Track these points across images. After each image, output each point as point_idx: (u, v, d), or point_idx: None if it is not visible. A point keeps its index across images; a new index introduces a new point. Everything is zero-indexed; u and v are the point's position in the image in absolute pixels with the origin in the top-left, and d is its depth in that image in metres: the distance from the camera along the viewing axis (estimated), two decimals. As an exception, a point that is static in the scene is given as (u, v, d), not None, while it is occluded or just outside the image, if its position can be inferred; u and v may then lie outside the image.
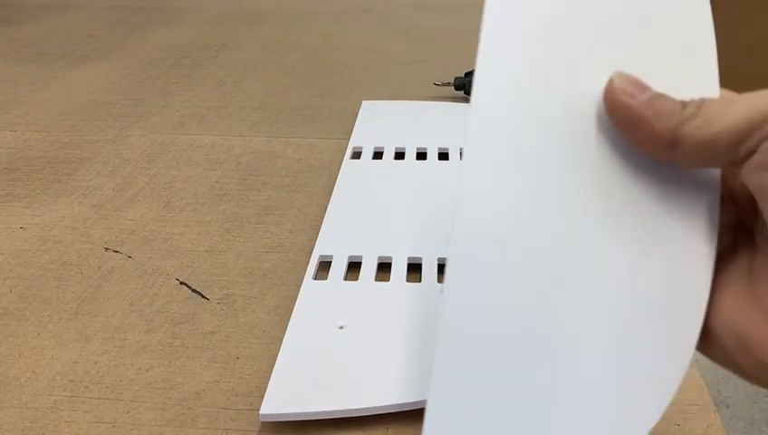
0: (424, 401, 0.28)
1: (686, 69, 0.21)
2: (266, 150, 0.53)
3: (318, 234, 0.39)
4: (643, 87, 0.20)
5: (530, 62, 0.21)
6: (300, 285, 0.35)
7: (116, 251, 0.41)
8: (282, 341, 0.31)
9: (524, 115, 0.21)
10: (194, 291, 0.37)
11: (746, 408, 1.12)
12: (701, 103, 0.19)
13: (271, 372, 0.29)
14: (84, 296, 0.37)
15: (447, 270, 0.20)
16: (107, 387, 0.31)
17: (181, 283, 0.38)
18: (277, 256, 0.40)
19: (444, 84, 0.62)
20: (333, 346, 0.31)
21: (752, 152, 0.18)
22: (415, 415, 0.28)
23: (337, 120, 0.59)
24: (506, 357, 0.19)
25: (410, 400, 0.28)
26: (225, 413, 0.29)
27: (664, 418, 0.28)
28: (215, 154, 0.53)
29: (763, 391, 1.15)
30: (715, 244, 0.20)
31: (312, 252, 0.38)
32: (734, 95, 0.19)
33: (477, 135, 0.21)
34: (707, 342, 0.20)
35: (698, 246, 0.20)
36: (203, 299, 0.36)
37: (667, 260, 0.20)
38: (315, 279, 0.36)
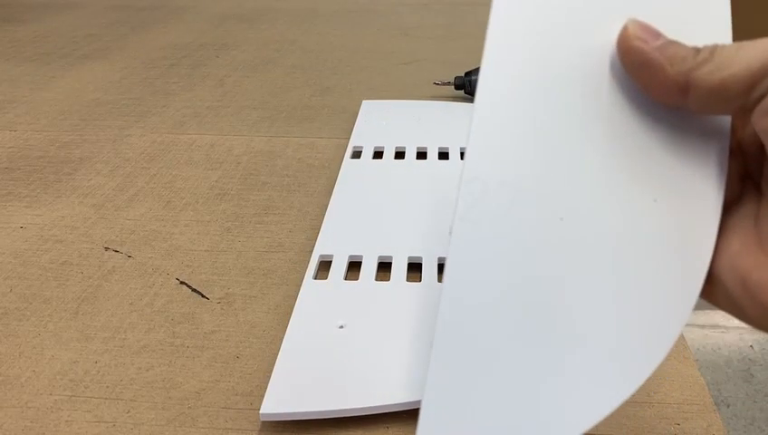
0: None
1: (699, 20, 0.21)
2: (266, 150, 0.53)
3: (318, 234, 0.39)
4: (657, 33, 0.20)
5: (542, 12, 0.22)
6: (300, 285, 0.35)
7: (116, 251, 0.41)
8: (282, 340, 0.31)
9: (536, 64, 0.21)
10: (194, 290, 0.37)
11: (746, 407, 1.12)
12: (714, 49, 0.19)
13: (271, 372, 0.29)
14: (84, 296, 0.37)
15: (457, 211, 0.20)
16: (107, 386, 0.31)
17: (181, 282, 0.38)
18: (277, 255, 0.40)
19: (444, 84, 0.62)
20: (333, 346, 0.31)
21: (763, 96, 0.18)
22: (415, 414, 0.28)
23: (337, 120, 0.59)
24: (512, 304, 0.19)
25: (410, 399, 0.28)
26: (226, 413, 0.29)
27: (664, 417, 0.28)
28: (215, 154, 0.53)
29: (762, 390, 1.15)
30: (723, 190, 0.21)
31: (312, 251, 0.38)
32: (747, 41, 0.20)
33: (489, 82, 0.21)
34: (711, 286, 0.20)
35: (706, 192, 0.20)
36: (203, 299, 0.36)
37: (676, 205, 0.20)
38: (315, 279, 0.36)
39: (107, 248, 0.41)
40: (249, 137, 0.56)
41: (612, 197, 0.20)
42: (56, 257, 0.40)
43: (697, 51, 0.19)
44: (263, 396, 0.28)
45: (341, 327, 0.32)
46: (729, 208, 0.21)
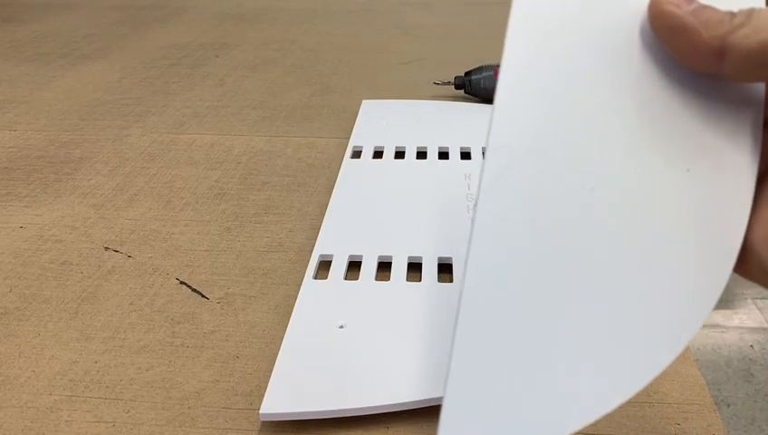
0: (424, 401, 0.28)
1: None
2: (266, 150, 0.53)
3: (318, 234, 0.39)
4: None
5: None
6: (300, 285, 0.35)
7: (116, 251, 0.41)
8: (282, 340, 0.31)
9: (563, 31, 0.21)
10: (194, 290, 0.37)
11: (747, 407, 1.12)
12: (750, 12, 0.19)
13: (271, 372, 0.29)
14: (84, 296, 0.37)
15: (483, 181, 0.19)
16: (107, 386, 0.31)
17: (181, 282, 0.38)
18: (277, 255, 0.40)
19: (444, 83, 0.62)
20: (333, 345, 0.31)
21: None
22: (415, 414, 0.28)
23: (337, 120, 0.59)
24: (540, 278, 0.19)
25: (411, 399, 0.28)
26: (225, 413, 0.29)
27: (664, 417, 0.28)
28: (215, 153, 0.53)
29: (763, 390, 1.15)
30: (757, 159, 0.20)
31: (312, 251, 0.38)
32: None
33: (514, 50, 0.20)
34: (745, 258, 0.20)
35: (740, 162, 0.20)
36: (203, 299, 0.36)
37: (709, 175, 0.20)
38: (315, 278, 0.36)
39: (107, 248, 0.41)
40: (249, 137, 0.56)
41: (644, 167, 0.20)
42: (56, 257, 0.40)
43: (733, 14, 0.19)
44: (263, 396, 0.28)
45: (341, 327, 0.32)
46: (762, 179, 0.20)
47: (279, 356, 0.30)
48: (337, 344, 0.31)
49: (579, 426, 0.18)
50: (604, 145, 0.20)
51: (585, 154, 0.20)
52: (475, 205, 0.19)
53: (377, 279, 0.35)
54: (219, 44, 0.82)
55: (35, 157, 0.53)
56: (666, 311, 0.19)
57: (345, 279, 0.35)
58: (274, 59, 0.76)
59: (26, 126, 0.59)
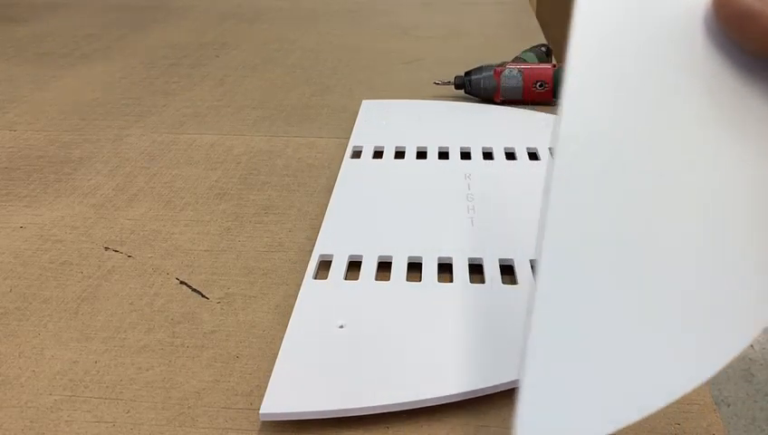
0: (425, 400, 0.28)
1: None
2: (266, 150, 0.53)
3: (318, 233, 0.39)
4: None
5: None
6: (300, 285, 0.35)
7: (116, 251, 0.41)
8: (282, 340, 0.31)
9: (627, 20, 0.21)
10: (194, 290, 0.37)
11: (747, 407, 1.12)
12: None
13: (271, 372, 0.29)
14: (84, 296, 0.37)
15: (554, 170, 0.19)
16: (107, 386, 0.31)
17: (181, 282, 0.38)
18: (277, 255, 0.40)
19: (444, 83, 0.62)
20: (333, 345, 0.31)
21: None
22: (415, 414, 0.28)
23: (337, 119, 0.59)
24: (613, 266, 0.19)
25: (411, 399, 0.28)
26: (225, 413, 0.29)
27: (664, 417, 0.28)
28: (215, 153, 0.53)
29: (763, 390, 1.15)
30: None
31: (312, 251, 0.38)
32: None
33: (581, 39, 0.20)
34: None
35: None
36: (203, 298, 0.36)
37: None
38: (315, 279, 0.36)
39: (107, 248, 0.41)
40: (249, 137, 0.56)
41: (714, 156, 0.20)
42: (56, 257, 0.40)
43: None
44: (263, 396, 0.28)
45: (341, 327, 0.32)
46: None
47: (279, 356, 0.30)
48: (337, 344, 0.31)
49: (660, 403, 0.17)
50: (673, 133, 0.20)
51: (656, 142, 0.20)
52: (546, 193, 0.19)
53: (377, 279, 0.35)
54: (219, 44, 0.82)
55: (35, 157, 0.53)
56: (734, 301, 0.19)
57: (345, 279, 0.35)
58: (274, 59, 0.76)
59: (26, 126, 0.59)
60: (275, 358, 0.30)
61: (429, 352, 0.30)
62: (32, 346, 0.33)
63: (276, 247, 0.40)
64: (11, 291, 0.37)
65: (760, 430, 1.09)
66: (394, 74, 0.70)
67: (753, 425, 1.10)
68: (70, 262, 0.40)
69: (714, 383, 1.16)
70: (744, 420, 1.10)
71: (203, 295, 0.36)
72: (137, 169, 0.51)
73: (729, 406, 1.12)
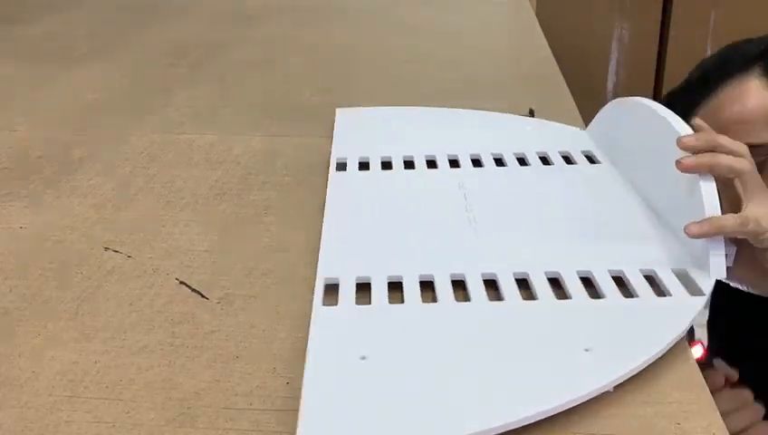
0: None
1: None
2: (266, 149, 0.53)
3: (318, 233, 0.39)
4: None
5: None
6: (299, 285, 0.35)
7: (116, 251, 0.41)
8: (281, 341, 0.31)
9: (632, 139, 0.36)
10: (194, 291, 0.37)
11: (747, 406, 1.12)
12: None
13: (271, 371, 0.29)
14: (84, 296, 0.37)
15: None
16: (107, 387, 0.31)
17: (181, 283, 0.38)
18: (277, 255, 0.40)
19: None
20: (359, 380, 0.29)
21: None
22: None
23: (337, 120, 0.59)
24: None
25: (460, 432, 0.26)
26: (226, 413, 0.29)
27: (664, 417, 0.28)
28: (215, 153, 0.53)
29: (764, 389, 1.15)
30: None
31: (312, 251, 0.38)
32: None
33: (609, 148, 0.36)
34: None
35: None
36: (203, 299, 0.36)
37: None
38: (325, 305, 0.33)
39: (107, 248, 0.41)
40: (249, 137, 0.56)
41: None
42: (56, 258, 0.40)
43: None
44: (262, 396, 0.28)
45: (363, 358, 0.29)
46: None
47: (304, 398, 0.27)
48: (363, 378, 0.29)
49: None
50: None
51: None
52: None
53: (390, 302, 0.34)
54: (219, 44, 0.82)
55: (35, 157, 0.53)
56: None
57: (357, 304, 0.33)
58: (275, 58, 0.76)
59: (26, 126, 0.59)
60: (275, 358, 0.30)
61: (461, 383, 0.28)
62: (32, 347, 0.33)
63: (276, 247, 0.40)
64: (11, 291, 0.37)
65: (760, 430, 1.08)
66: (394, 73, 0.70)
67: (753, 425, 1.09)
68: (70, 262, 0.40)
69: (714, 383, 1.16)
70: (745, 420, 1.10)
71: (203, 296, 0.36)
72: (137, 169, 0.51)
73: (729, 405, 1.12)
